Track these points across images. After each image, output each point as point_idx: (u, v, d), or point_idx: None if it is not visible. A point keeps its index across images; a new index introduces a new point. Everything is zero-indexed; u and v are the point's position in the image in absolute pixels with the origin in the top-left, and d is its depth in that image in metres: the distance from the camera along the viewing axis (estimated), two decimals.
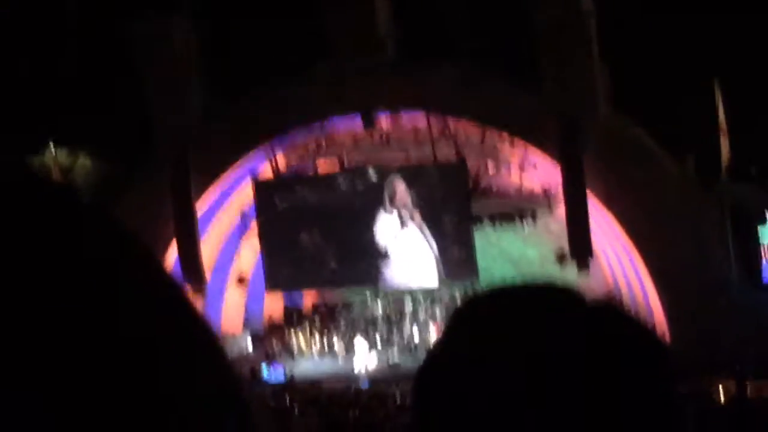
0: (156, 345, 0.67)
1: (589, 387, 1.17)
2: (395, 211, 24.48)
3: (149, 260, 0.73)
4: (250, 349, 25.48)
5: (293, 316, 27.36)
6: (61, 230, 0.67)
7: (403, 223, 24.52)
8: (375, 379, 22.88)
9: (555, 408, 1.17)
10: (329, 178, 24.99)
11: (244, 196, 25.10)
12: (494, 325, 1.23)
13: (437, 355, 1.27)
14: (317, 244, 24.84)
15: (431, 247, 24.36)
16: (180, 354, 0.69)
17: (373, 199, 24.46)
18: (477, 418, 1.21)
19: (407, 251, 24.56)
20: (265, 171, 25.20)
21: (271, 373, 23.43)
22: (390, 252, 24.72)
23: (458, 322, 1.28)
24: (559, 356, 1.18)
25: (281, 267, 24.92)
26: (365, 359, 23.73)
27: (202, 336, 0.72)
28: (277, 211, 24.59)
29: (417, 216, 24.34)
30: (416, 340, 24.79)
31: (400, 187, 24.36)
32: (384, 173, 24.41)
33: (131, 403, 0.64)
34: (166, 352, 0.68)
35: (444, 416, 1.24)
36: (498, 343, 1.21)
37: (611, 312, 1.24)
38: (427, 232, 24.34)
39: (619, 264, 23.31)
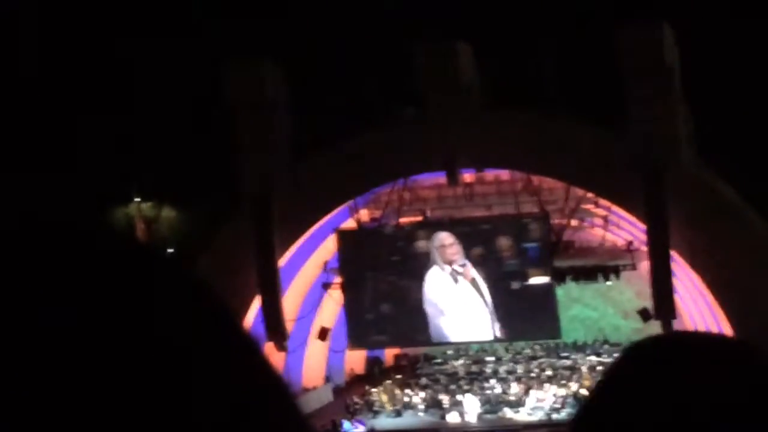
0: (235, 415, 0.67)
1: None
2: (446, 267, 24.29)
3: (224, 320, 0.71)
4: (332, 400, 25.57)
5: (374, 370, 27.36)
6: (131, 292, 0.67)
7: (455, 279, 24.27)
8: None
9: None
10: (411, 231, 24.81)
11: (326, 250, 25.20)
12: (670, 370, 1.23)
13: (605, 393, 1.26)
14: (396, 300, 24.66)
15: (485, 302, 24.09)
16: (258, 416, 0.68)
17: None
18: None
19: (461, 306, 24.28)
20: (348, 225, 25.26)
21: (352, 427, 23.46)
22: (443, 308, 24.48)
23: (632, 363, 1.28)
24: (733, 407, 1.17)
25: (363, 324, 24.78)
26: (470, 414, 23.39)
27: (280, 397, 0.71)
28: (359, 264, 24.55)
29: (469, 271, 24.10)
30: (497, 393, 24.52)
31: (448, 242, 24.12)
32: (461, 226, 24.25)
33: None
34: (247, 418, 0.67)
35: None
36: (674, 387, 1.20)
37: None
38: (483, 286, 24.04)
39: (703, 323, 22.93)
